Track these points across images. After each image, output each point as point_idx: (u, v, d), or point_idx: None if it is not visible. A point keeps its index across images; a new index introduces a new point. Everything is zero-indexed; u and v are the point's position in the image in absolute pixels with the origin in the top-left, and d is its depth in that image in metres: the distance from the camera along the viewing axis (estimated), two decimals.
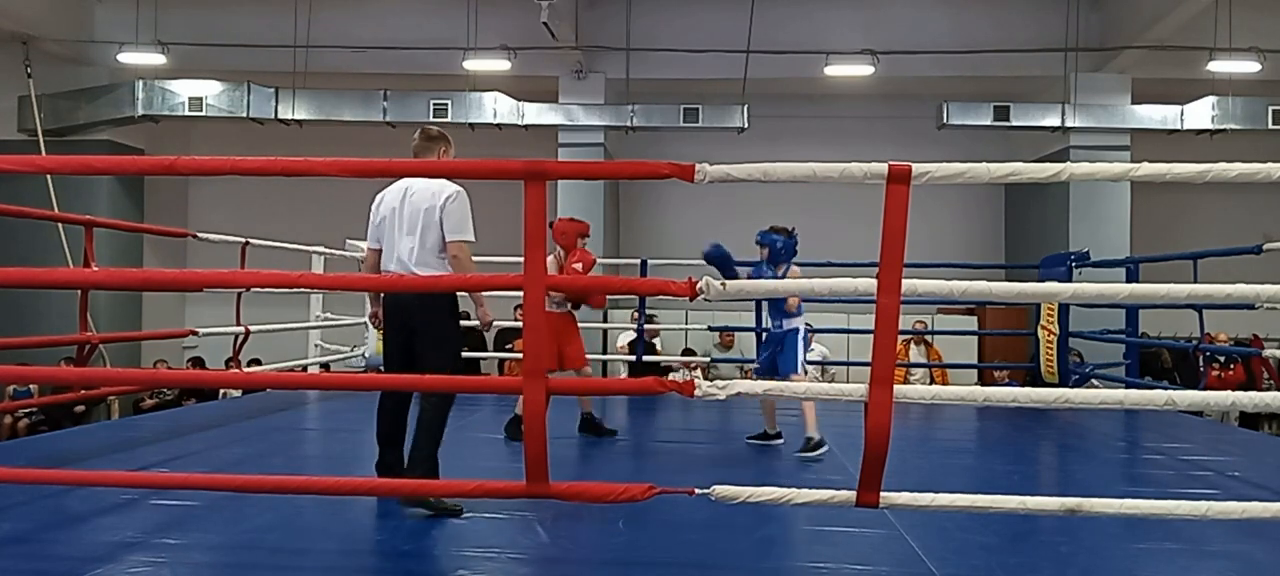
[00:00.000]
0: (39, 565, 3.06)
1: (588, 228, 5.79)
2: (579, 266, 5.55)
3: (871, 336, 2.63)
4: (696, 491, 2.84)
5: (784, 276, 5.16)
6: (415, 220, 3.75)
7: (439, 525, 3.47)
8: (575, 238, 5.65)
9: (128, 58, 10.97)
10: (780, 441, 5.35)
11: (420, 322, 3.74)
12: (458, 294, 3.92)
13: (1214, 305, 5.60)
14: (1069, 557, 3.24)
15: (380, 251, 3.90)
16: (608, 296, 8.71)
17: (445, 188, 3.77)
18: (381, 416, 3.87)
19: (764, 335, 5.58)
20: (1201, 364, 7.43)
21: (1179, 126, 10.65)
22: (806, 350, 5.41)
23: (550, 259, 5.52)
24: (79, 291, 5.19)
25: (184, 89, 11.11)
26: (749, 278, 5.19)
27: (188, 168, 3.11)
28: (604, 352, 10.47)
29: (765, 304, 5.51)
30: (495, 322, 4.67)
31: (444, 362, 3.70)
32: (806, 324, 5.43)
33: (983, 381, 10.08)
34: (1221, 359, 9.87)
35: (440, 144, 3.95)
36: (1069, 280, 7.98)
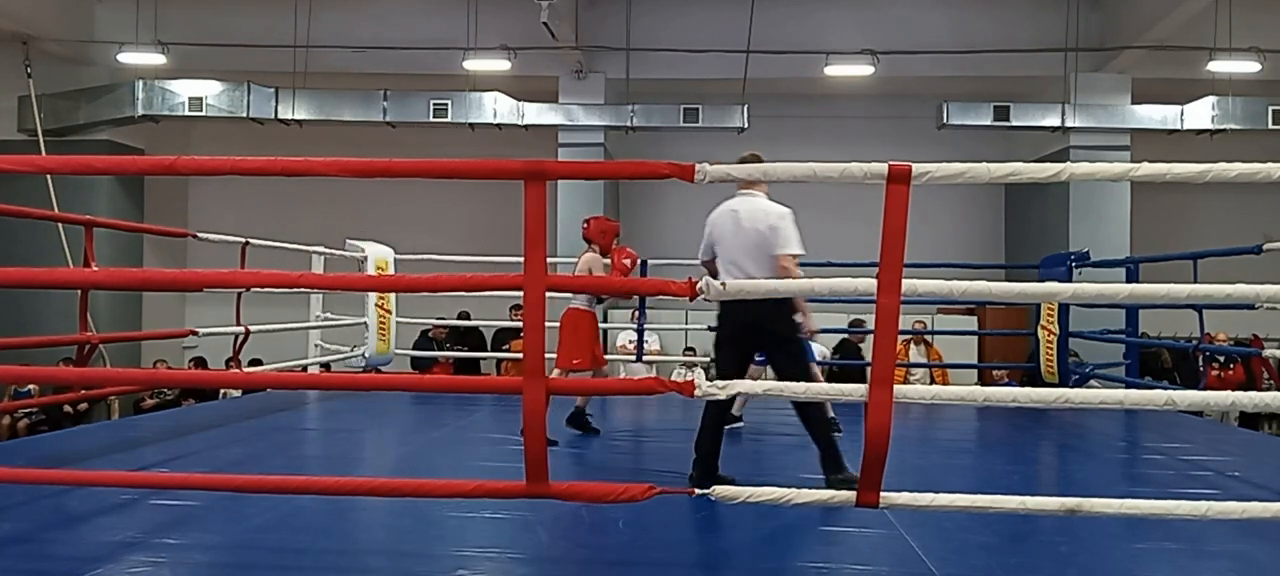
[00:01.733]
0: (39, 565, 3.05)
1: (619, 226, 5.95)
2: (628, 263, 5.70)
3: (871, 336, 2.63)
4: (696, 491, 2.84)
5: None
6: (749, 239, 4.17)
7: (439, 525, 3.47)
8: (613, 237, 5.80)
9: (128, 58, 10.97)
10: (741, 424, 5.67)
11: (771, 332, 4.14)
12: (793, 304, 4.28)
13: (1214, 305, 5.61)
14: (1069, 557, 3.24)
15: (711, 262, 4.36)
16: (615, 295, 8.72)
17: (771, 209, 4.20)
18: (715, 431, 4.21)
19: None
20: (1201, 364, 7.43)
21: (1179, 126, 10.65)
22: (811, 354, 5.52)
23: (588, 256, 5.69)
24: (79, 291, 5.19)
25: (184, 89, 11.11)
26: None
27: (188, 168, 3.11)
28: (604, 353, 10.49)
29: None
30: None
31: (798, 367, 4.13)
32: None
33: (983, 381, 10.08)
34: (1221, 359, 9.87)
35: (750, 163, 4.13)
36: (1069, 280, 7.98)
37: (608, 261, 5.69)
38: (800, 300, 4.36)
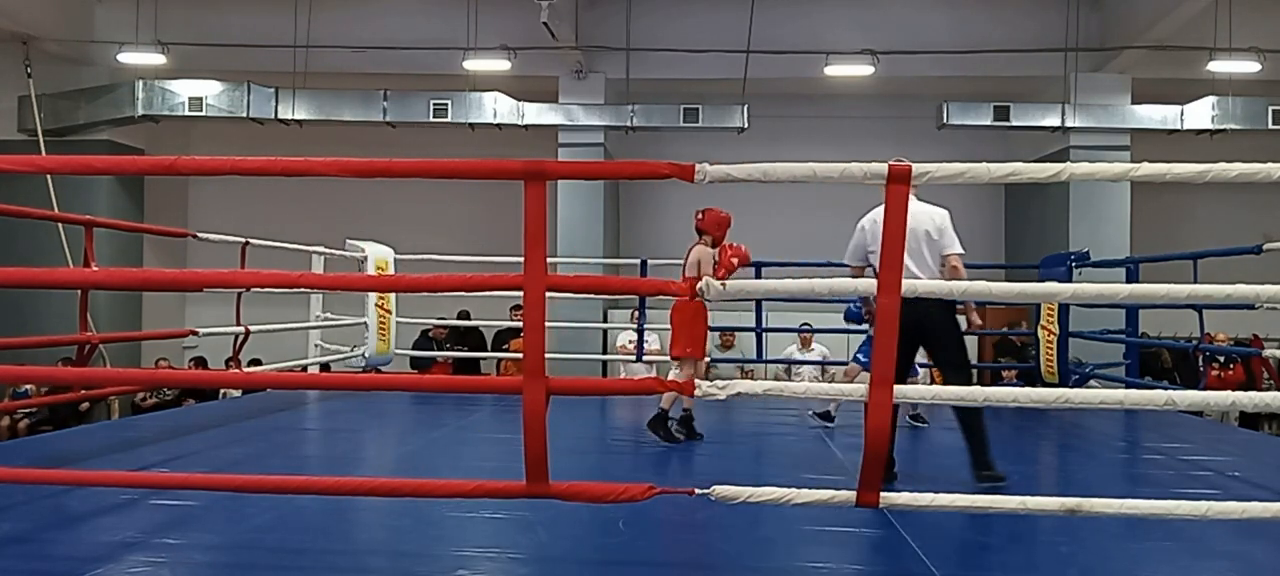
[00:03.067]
0: (39, 565, 3.05)
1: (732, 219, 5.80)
2: (735, 261, 5.34)
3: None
4: (696, 491, 2.84)
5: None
6: (918, 241, 4.23)
7: (439, 525, 3.47)
8: (726, 229, 5.70)
9: (128, 58, 10.97)
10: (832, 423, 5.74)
11: (939, 331, 4.29)
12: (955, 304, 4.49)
13: (1214, 305, 5.60)
14: (1069, 557, 3.24)
15: (860, 266, 4.46)
16: (615, 295, 8.69)
17: (934, 211, 4.37)
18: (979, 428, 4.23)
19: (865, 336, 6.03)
20: (1201, 364, 7.43)
21: (1179, 126, 10.64)
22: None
23: (698, 249, 5.64)
24: (79, 291, 5.19)
25: (184, 89, 11.10)
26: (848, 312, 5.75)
27: (188, 168, 3.11)
28: (604, 352, 10.49)
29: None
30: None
31: (961, 362, 4.34)
32: None
33: (982, 381, 10.08)
34: (1221, 359, 9.87)
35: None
36: (1069, 280, 7.98)
37: (715, 254, 5.44)
38: (969, 300, 4.59)
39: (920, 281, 3.98)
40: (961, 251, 4.27)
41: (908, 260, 4.09)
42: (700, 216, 5.74)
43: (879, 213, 4.17)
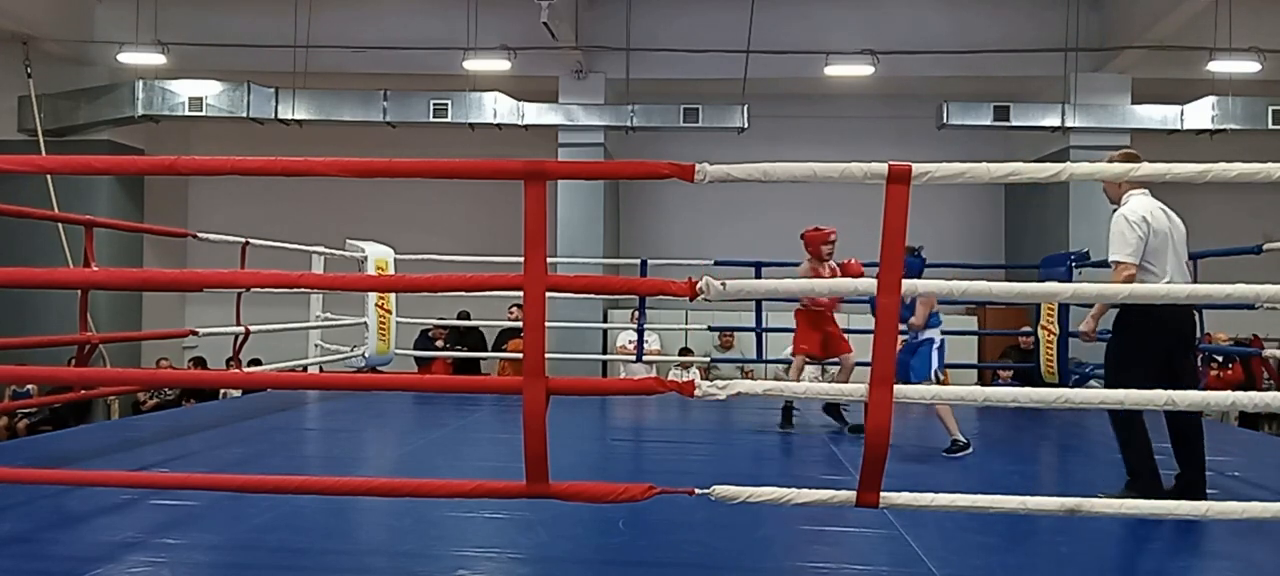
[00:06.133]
0: (39, 565, 3.05)
1: (832, 234, 6.21)
2: (825, 271, 6.05)
3: (872, 336, 2.63)
4: (696, 491, 2.84)
5: (909, 297, 5.13)
6: (1182, 242, 4.05)
7: (439, 525, 3.47)
8: (820, 244, 6.12)
9: (128, 58, 10.97)
10: (970, 450, 5.32)
11: (1190, 341, 4.10)
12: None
13: (1214, 305, 5.60)
14: (1069, 557, 3.24)
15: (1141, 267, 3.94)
16: (615, 295, 8.69)
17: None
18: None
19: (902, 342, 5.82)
20: (1200, 363, 7.43)
21: (1179, 126, 10.64)
22: (940, 361, 5.46)
23: (806, 263, 6.24)
24: (79, 291, 5.19)
25: (184, 89, 11.09)
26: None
27: (188, 168, 3.11)
28: (604, 352, 10.49)
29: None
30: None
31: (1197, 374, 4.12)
32: (941, 334, 5.46)
33: (982, 381, 10.08)
34: (1220, 358, 9.87)
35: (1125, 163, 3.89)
36: (1069, 280, 7.98)
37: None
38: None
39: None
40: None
41: (1177, 265, 3.92)
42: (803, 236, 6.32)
43: (1157, 209, 3.95)
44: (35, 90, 11.11)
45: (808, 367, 6.58)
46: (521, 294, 2.71)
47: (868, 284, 2.67)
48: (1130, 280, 3.77)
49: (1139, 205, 3.95)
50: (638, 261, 9.13)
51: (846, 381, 6.21)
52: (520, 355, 2.79)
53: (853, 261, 6.02)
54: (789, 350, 6.65)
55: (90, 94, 11.38)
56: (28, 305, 9.96)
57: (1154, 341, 3.86)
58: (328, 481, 3.25)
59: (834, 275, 5.95)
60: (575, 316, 9.83)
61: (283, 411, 6.58)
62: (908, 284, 2.69)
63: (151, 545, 3.20)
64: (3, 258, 9.80)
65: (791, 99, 11.97)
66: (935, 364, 5.35)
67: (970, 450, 5.25)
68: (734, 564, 3.20)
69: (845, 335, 6.37)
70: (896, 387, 2.65)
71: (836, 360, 6.38)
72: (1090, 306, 4.33)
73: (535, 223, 2.67)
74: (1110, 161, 3.88)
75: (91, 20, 11.35)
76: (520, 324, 9.92)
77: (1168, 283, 3.82)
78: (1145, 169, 2.70)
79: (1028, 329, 9.73)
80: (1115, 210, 4.04)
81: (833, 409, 6.37)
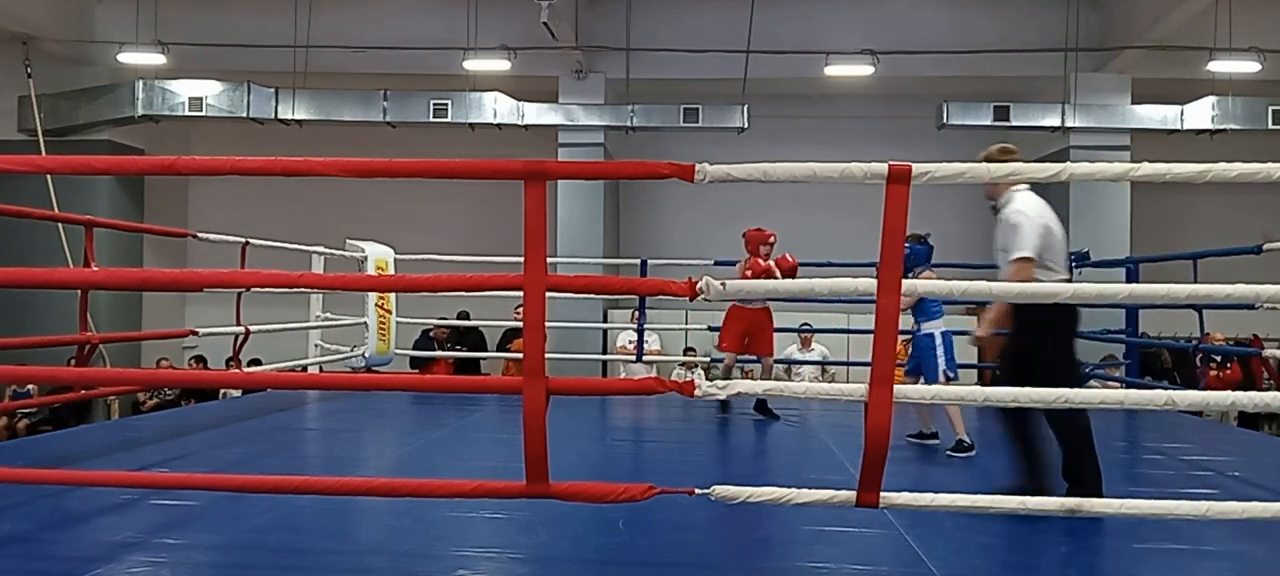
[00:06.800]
0: (39, 565, 3.05)
1: (772, 236, 6.44)
2: (750, 272, 6.26)
3: (871, 336, 2.63)
4: (696, 491, 2.84)
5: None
6: (1063, 238, 3.99)
7: (439, 525, 3.47)
8: (758, 244, 6.36)
9: (128, 58, 10.97)
10: (935, 440, 5.43)
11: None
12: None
13: (1214, 305, 5.61)
14: (1069, 557, 3.24)
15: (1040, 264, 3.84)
16: (615, 295, 8.68)
17: None
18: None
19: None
20: (1198, 363, 7.43)
21: (1179, 126, 10.64)
22: (947, 354, 5.45)
23: (740, 264, 6.51)
24: (79, 291, 5.19)
25: (184, 89, 11.10)
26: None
27: (188, 168, 3.11)
28: (604, 352, 10.49)
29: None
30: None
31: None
32: (943, 329, 5.50)
33: (982, 381, 10.07)
34: (1217, 358, 9.88)
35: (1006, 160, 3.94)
36: (1069, 280, 7.97)
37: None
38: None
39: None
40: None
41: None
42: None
43: (1046, 207, 3.89)
44: (35, 90, 11.11)
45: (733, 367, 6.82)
46: (508, 294, 2.71)
47: (868, 284, 2.67)
48: (1032, 277, 3.69)
49: (1031, 202, 3.88)
50: (638, 261, 9.13)
51: (767, 379, 6.57)
52: (520, 355, 2.79)
53: (787, 257, 6.31)
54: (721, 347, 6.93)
55: (90, 94, 11.39)
56: (28, 305, 9.96)
57: (1069, 336, 3.84)
58: (328, 481, 3.25)
59: (768, 273, 6.15)
60: (575, 316, 9.83)
61: (283, 411, 6.58)
62: (907, 284, 2.69)
63: (151, 545, 3.20)
64: (3, 258, 9.80)
65: (791, 99, 11.98)
66: (943, 362, 5.34)
67: (974, 452, 5.25)
68: (734, 564, 3.20)
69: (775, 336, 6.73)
70: (896, 388, 2.65)
71: (757, 358, 6.66)
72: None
73: (535, 223, 2.67)
74: (988, 158, 3.89)
75: (91, 20, 11.35)
76: (521, 323, 9.90)
77: (1062, 280, 3.82)
78: (1145, 169, 2.69)
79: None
80: (997, 208, 3.96)
81: (763, 406, 6.54)
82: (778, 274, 6.27)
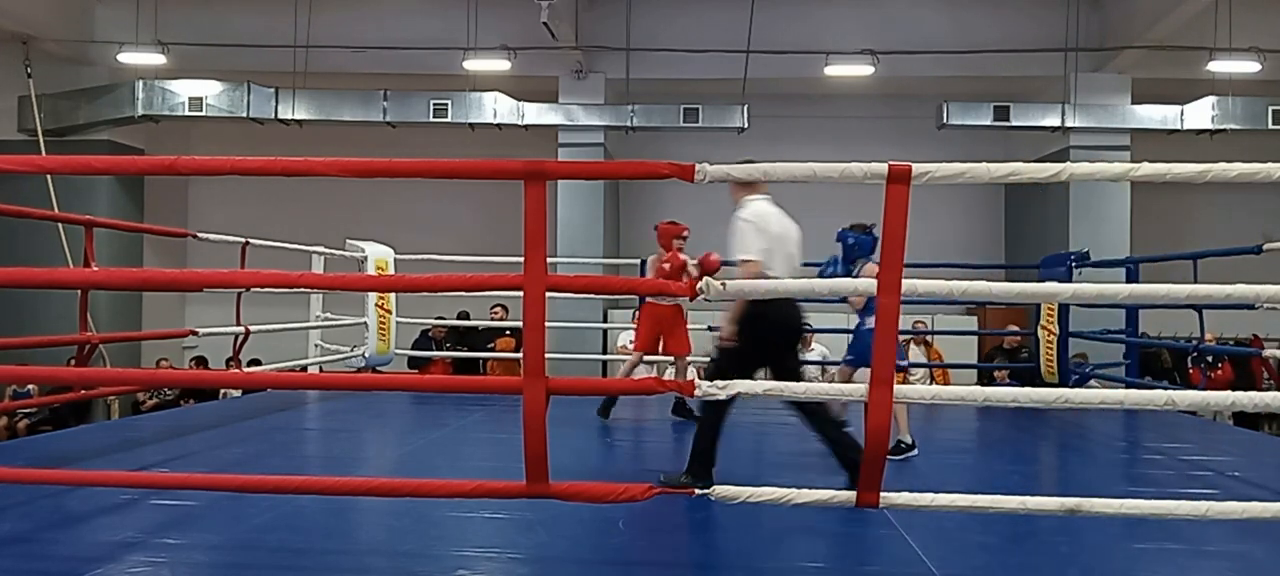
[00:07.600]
0: (39, 565, 3.05)
1: (685, 230, 6.29)
2: (667, 266, 6.02)
3: (847, 334, 2.63)
4: (696, 491, 2.84)
5: (858, 275, 5.01)
6: (795, 243, 4.21)
7: (439, 525, 3.47)
8: (671, 237, 6.18)
9: (128, 58, 10.97)
10: (915, 453, 5.18)
11: (795, 338, 4.19)
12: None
13: (1214, 305, 5.60)
14: (1069, 557, 3.24)
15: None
16: (615, 295, 8.67)
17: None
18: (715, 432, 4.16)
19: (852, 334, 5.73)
20: (1188, 365, 7.42)
21: (1179, 126, 10.64)
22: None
23: (652, 258, 6.38)
24: (79, 291, 5.19)
25: (184, 89, 11.10)
26: (820, 274, 5.31)
27: (188, 168, 3.11)
28: (604, 352, 10.49)
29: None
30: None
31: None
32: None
33: (982, 381, 10.07)
34: (1208, 359, 9.88)
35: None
36: (1069, 280, 7.98)
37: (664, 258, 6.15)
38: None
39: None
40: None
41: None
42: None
43: (777, 212, 4.13)
44: (35, 90, 11.11)
45: (641, 367, 6.69)
46: (507, 294, 2.71)
47: (868, 284, 2.67)
48: (758, 276, 3.91)
49: (759, 208, 4.11)
50: (638, 261, 9.12)
51: (682, 378, 6.25)
52: (507, 354, 2.79)
53: (711, 255, 5.77)
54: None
55: (90, 94, 11.39)
56: (28, 305, 9.96)
57: (773, 337, 4.03)
58: (328, 481, 3.25)
59: (684, 267, 5.95)
60: (575, 316, 9.83)
61: (283, 411, 6.58)
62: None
63: (151, 545, 3.20)
64: (3, 258, 9.81)
65: (791, 99, 11.98)
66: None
67: (915, 452, 5.09)
68: (734, 564, 3.20)
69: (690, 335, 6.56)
70: (897, 388, 2.65)
71: (671, 359, 6.54)
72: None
73: (535, 223, 2.67)
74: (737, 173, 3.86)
75: (91, 20, 11.35)
76: (504, 323, 9.91)
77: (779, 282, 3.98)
78: (1145, 169, 2.70)
79: (1014, 328, 9.75)
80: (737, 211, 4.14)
81: (681, 407, 6.38)
82: (691, 267, 5.95)
